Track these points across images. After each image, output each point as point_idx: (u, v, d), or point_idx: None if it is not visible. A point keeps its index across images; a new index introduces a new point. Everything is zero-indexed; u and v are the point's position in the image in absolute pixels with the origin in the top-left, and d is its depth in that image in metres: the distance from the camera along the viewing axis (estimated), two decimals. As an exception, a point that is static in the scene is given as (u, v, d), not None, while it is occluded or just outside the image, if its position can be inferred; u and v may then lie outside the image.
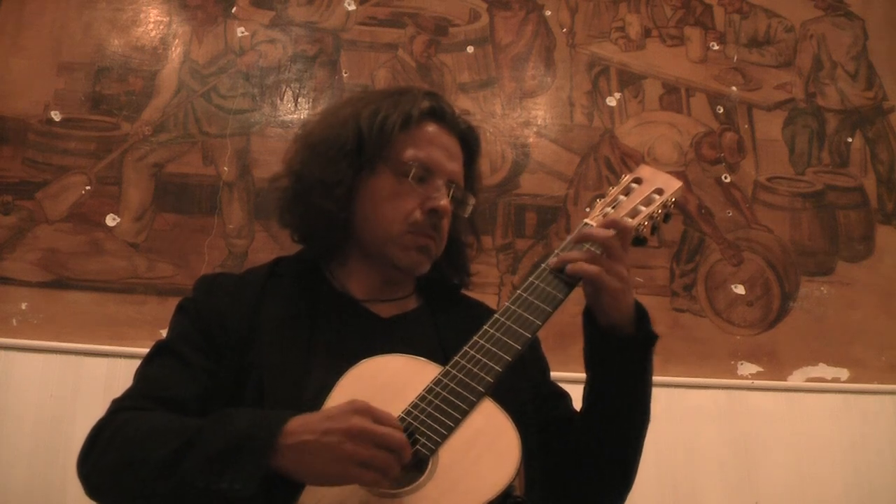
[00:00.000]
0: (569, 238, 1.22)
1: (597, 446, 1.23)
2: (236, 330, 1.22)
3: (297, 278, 1.32)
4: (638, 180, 1.28)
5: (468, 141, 1.38)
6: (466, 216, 1.37)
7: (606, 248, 1.17)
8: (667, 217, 1.27)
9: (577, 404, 1.31)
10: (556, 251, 1.21)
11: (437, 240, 1.30)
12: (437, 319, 1.32)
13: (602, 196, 1.29)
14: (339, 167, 1.29)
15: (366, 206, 1.30)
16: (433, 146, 1.31)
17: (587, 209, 1.29)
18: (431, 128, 1.33)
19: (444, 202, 1.28)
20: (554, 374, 1.41)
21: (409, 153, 1.29)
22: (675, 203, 1.28)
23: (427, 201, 1.28)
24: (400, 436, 0.99)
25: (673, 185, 1.27)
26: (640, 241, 1.24)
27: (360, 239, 1.31)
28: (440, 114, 1.35)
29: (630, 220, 1.22)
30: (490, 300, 1.42)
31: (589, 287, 1.18)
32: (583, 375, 1.25)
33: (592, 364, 1.24)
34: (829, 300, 2.69)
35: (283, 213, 1.36)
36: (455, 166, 1.33)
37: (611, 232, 1.17)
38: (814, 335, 2.65)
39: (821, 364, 2.62)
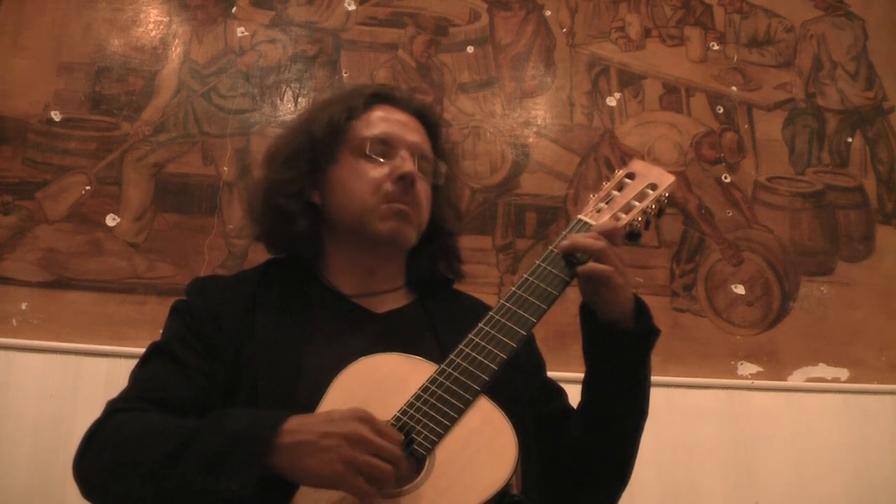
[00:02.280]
0: (561, 235, 1.21)
1: (593, 443, 1.23)
2: (230, 330, 1.22)
3: (289, 278, 1.32)
4: (631, 175, 1.27)
5: (425, 117, 1.39)
6: (441, 183, 1.38)
7: (600, 256, 1.16)
8: (660, 212, 1.27)
9: (577, 403, 1.30)
10: (550, 248, 1.21)
11: (414, 205, 1.30)
12: (431, 313, 1.32)
13: (596, 192, 1.29)
14: (291, 166, 1.33)
15: (336, 193, 1.31)
16: (386, 122, 1.33)
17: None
18: (381, 108, 1.35)
19: (409, 167, 1.29)
20: (554, 374, 1.40)
21: (364, 133, 1.32)
22: (668, 197, 1.27)
23: (393, 171, 1.28)
24: (397, 451, 0.99)
25: (666, 179, 1.27)
26: (634, 235, 1.23)
27: (338, 227, 1.32)
28: (387, 96, 1.37)
29: (622, 215, 1.22)
30: (490, 300, 1.41)
31: (589, 284, 1.18)
32: (583, 375, 1.25)
33: (591, 360, 1.23)
34: (829, 300, 2.69)
35: (255, 226, 1.39)
36: (415, 137, 1.34)
37: (601, 243, 1.16)
38: (814, 335, 2.64)
39: (821, 364, 2.62)
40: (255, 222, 1.39)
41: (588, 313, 1.21)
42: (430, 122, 1.40)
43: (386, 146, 1.31)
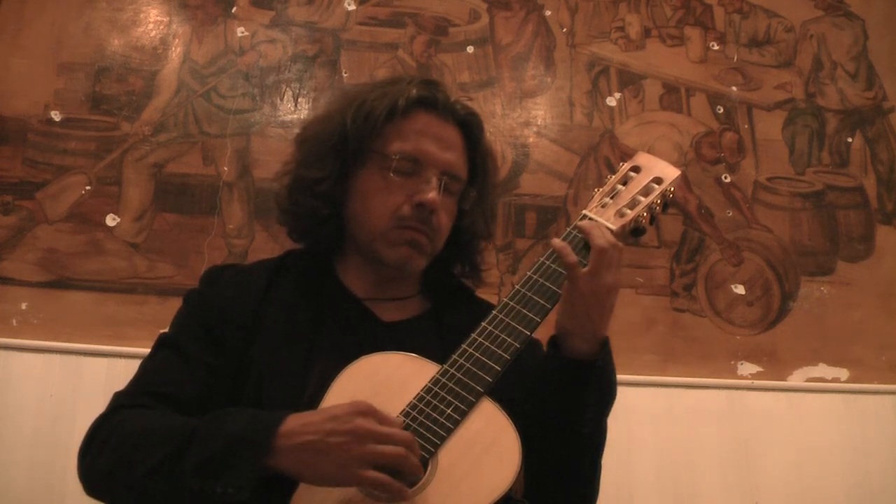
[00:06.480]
0: (566, 231, 1.19)
1: (549, 462, 1.15)
2: (239, 324, 1.21)
3: (304, 274, 1.30)
4: (636, 169, 1.25)
5: (468, 127, 1.32)
6: (467, 208, 1.32)
7: (594, 251, 1.13)
8: (665, 207, 1.24)
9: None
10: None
11: (429, 234, 1.26)
12: (440, 326, 1.28)
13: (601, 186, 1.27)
14: (323, 163, 1.28)
15: (356, 201, 1.28)
16: (422, 137, 1.26)
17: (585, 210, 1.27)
18: (422, 117, 1.28)
19: (432, 195, 1.23)
20: (553, 374, 1.40)
21: (395, 146, 1.25)
22: (673, 192, 1.24)
23: (415, 195, 1.24)
24: (406, 434, 0.99)
25: (671, 173, 1.24)
26: (638, 231, 1.21)
27: (353, 236, 1.30)
28: (431, 102, 1.29)
29: (627, 211, 1.20)
30: (490, 301, 1.40)
31: (568, 288, 1.13)
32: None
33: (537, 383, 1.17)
34: (829, 300, 2.69)
35: (279, 212, 1.36)
36: (450, 156, 1.27)
37: (602, 242, 1.12)
38: (814, 335, 2.64)
39: (821, 364, 2.62)
40: (279, 210, 1.35)
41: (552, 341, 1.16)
42: (471, 130, 1.33)
43: (414, 164, 1.25)
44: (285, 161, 1.37)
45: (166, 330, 1.28)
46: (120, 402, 1.17)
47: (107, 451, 1.10)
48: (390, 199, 1.25)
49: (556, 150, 2.73)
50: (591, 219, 1.19)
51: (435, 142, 1.27)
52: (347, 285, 1.30)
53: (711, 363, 2.58)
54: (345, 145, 1.27)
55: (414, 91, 1.29)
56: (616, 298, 1.14)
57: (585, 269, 1.11)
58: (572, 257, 1.12)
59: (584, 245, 1.16)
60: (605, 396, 1.18)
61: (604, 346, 1.13)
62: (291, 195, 1.32)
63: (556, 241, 1.15)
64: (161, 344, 1.24)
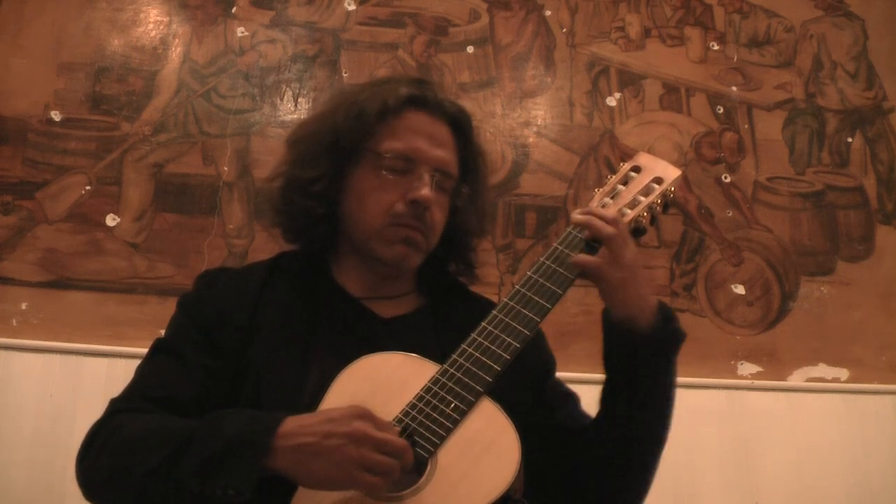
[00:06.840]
0: (565, 232, 1.20)
1: (604, 454, 1.18)
2: (235, 327, 1.21)
3: (299, 274, 1.30)
4: (637, 169, 1.26)
5: (459, 125, 1.33)
6: (460, 205, 1.32)
7: (608, 242, 1.15)
8: (665, 207, 1.24)
9: (582, 404, 1.29)
10: (554, 244, 1.20)
11: (424, 231, 1.26)
12: (437, 321, 1.29)
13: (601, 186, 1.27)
14: (316, 163, 1.29)
15: (350, 200, 1.28)
16: (414, 135, 1.27)
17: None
18: (413, 115, 1.29)
19: (425, 192, 1.23)
20: (554, 374, 1.40)
21: (387, 144, 1.26)
22: (674, 192, 1.25)
23: (409, 192, 1.24)
24: (401, 441, 0.99)
25: (672, 173, 1.25)
26: (639, 231, 1.22)
27: (349, 235, 1.30)
28: (422, 100, 1.30)
29: (628, 211, 1.21)
30: (485, 296, 1.40)
31: (595, 281, 1.16)
32: (583, 375, 1.24)
33: (606, 366, 1.19)
34: (829, 300, 2.69)
35: (273, 213, 1.36)
36: (441, 153, 1.28)
37: (610, 229, 1.15)
38: (814, 335, 2.64)
39: (821, 364, 2.62)
40: (273, 211, 1.35)
41: (606, 315, 1.18)
42: (462, 128, 1.33)
43: (407, 162, 1.25)
44: (278, 163, 1.37)
45: (163, 332, 1.27)
46: (117, 407, 1.17)
47: (105, 454, 1.10)
48: (384, 197, 1.25)
49: (556, 150, 2.73)
50: None
51: (426, 139, 1.28)
52: (343, 285, 1.30)
53: (711, 363, 2.58)
54: (338, 145, 1.28)
55: (404, 90, 1.30)
56: (641, 266, 1.16)
57: (603, 260, 1.14)
58: (586, 258, 1.15)
59: (586, 244, 1.18)
60: (609, 399, 1.19)
61: (636, 353, 1.14)
62: (286, 196, 1.32)
63: (572, 257, 1.17)
64: (157, 348, 1.24)
